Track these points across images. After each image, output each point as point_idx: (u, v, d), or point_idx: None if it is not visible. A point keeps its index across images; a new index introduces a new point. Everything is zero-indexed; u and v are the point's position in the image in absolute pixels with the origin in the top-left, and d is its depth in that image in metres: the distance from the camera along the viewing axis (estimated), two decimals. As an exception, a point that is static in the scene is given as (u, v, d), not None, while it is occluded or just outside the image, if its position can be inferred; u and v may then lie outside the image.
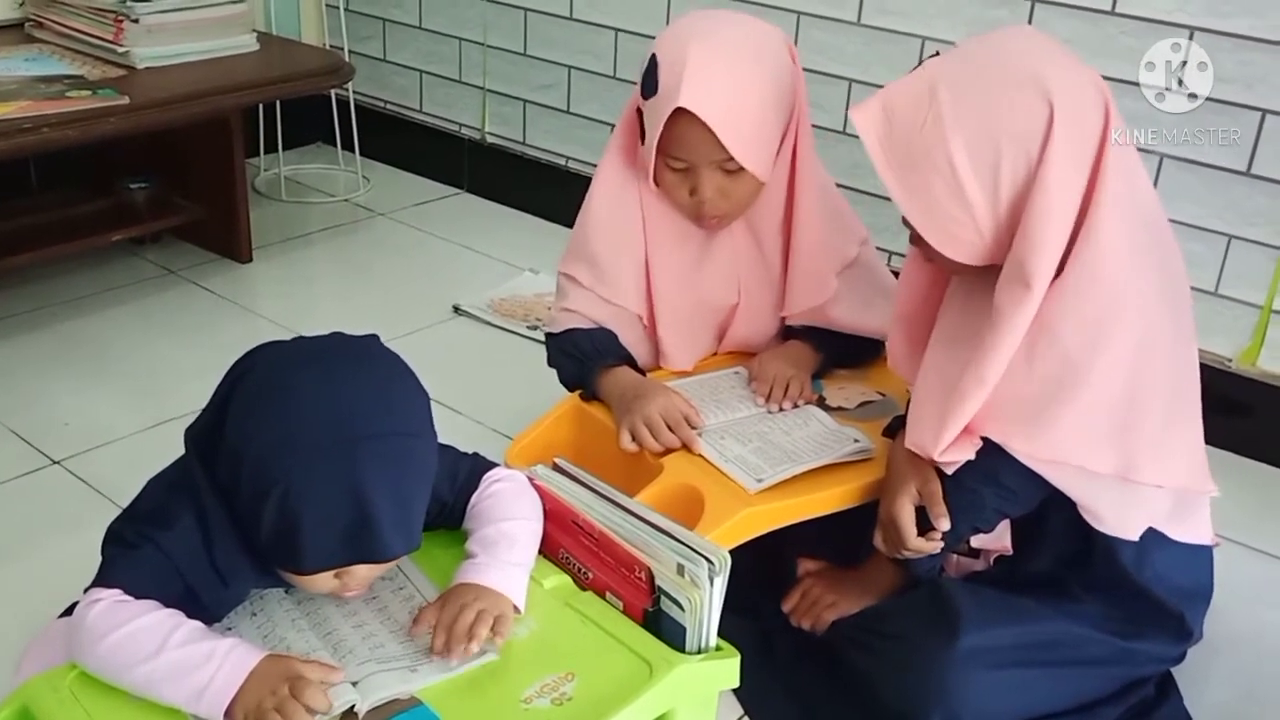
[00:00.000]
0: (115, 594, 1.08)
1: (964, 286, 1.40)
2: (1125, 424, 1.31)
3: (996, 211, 1.29)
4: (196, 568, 1.11)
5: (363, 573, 1.14)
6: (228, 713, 1.03)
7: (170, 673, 1.04)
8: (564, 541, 1.26)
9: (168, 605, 1.09)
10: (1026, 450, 1.34)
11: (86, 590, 1.11)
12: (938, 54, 1.34)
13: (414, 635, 1.13)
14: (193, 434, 1.15)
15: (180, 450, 1.17)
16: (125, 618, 1.06)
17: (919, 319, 1.48)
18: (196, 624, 1.08)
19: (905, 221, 1.34)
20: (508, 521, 1.21)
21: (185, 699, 1.04)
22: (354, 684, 1.06)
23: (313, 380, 1.08)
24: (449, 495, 1.24)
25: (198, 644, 1.05)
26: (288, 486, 1.05)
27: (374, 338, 1.17)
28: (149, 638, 1.05)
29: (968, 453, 1.36)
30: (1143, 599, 1.40)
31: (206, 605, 1.13)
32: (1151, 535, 1.37)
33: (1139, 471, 1.32)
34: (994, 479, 1.37)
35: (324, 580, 1.13)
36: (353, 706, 1.04)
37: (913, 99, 1.29)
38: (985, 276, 1.34)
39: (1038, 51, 1.31)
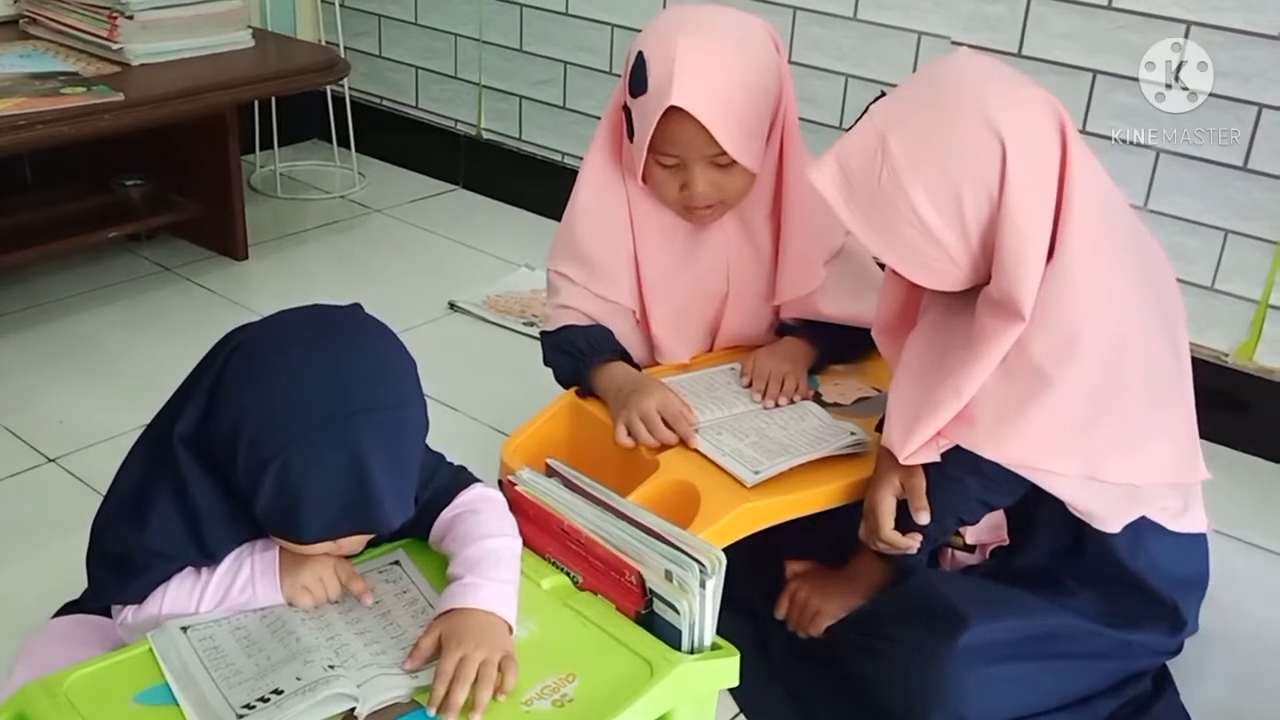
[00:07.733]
0: (130, 609, 1.16)
1: (942, 296, 1.40)
2: (1089, 426, 1.32)
3: (969, 245, 1.30)
4: (183, 549, 1.15)
5: (357, 537, 1.16)
6: (285, 585, 1.15)
7: (220, 597, 1.15)
8: (550, 548, 1.24)
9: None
10: (994, 456, 1.34)
11: (71, 604, 1.23)
12: (883, 94, 1.34)
13: (408, 669, 1.09)
14: (170, 414, 1.15)
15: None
16: (155, 607, 1.15)
17: (903, 328, 1.49)
18: (202, 569, 1.17)
19: (878, 261, 1.34)
20: (489, 539, 1.19)
21: (243, 601, 1.15)
22: (357, 686, 1.06)
23: (305, 354, 1.10)
24: (420, 492, 1.23)
25: (217, 571, 1.16)
26: (287, 461, 1.06)
27: (357, 307, 1.18)
28: (187, 598, 1.15)
29: (933, 455, 1.37)
30: (1136, 590, 1.41)
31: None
32: (1145, 524, 1.38)
33: (1105, 471, 1.33)
34: (977, 468, 1.37)
35: (320, 545, 1.15)
36: (353, 709, 1.04)
37: (866, 152, 1.29)
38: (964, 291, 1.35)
39: (981, 83, 1.30)
